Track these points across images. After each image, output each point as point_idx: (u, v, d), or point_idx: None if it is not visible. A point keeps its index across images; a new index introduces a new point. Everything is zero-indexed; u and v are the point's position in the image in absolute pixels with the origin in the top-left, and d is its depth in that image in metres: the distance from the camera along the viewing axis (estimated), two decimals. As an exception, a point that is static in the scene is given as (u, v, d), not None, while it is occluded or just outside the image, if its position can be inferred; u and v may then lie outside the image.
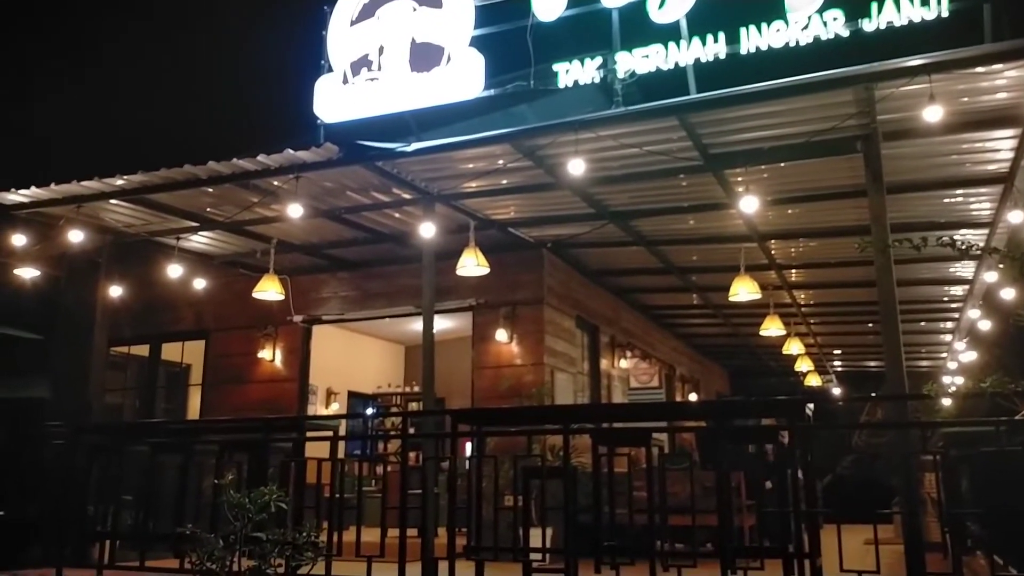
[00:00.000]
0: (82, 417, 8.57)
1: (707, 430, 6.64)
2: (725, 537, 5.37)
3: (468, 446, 6.81)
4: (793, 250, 10.27)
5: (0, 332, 11.76)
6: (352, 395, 13.61)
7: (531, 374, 9.83)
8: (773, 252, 10.18)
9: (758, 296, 9.94)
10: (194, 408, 11.67)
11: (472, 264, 8.48)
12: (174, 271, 9.03)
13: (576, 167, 6.75)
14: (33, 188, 7.98)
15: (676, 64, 6.98)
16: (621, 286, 12.38)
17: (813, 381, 17.99)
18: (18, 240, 8.31)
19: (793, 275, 11.38)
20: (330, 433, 6.57)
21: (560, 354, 10.35)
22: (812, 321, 14.31)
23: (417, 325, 12.11)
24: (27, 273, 9.14)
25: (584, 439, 7.26)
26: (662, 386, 14.56)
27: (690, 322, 15.02)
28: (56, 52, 14.97)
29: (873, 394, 16.06)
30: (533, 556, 5.69)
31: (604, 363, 12.00)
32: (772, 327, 12.05)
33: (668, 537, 5.79)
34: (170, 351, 12.01)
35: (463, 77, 7.53)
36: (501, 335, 9.98)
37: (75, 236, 8.20)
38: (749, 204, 7.39)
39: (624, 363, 12.80)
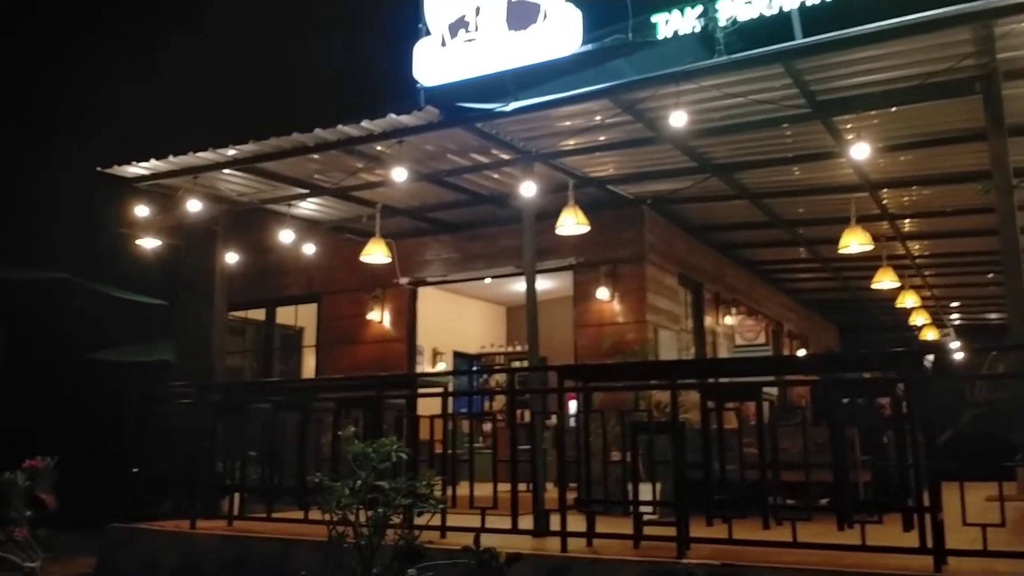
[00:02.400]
0: (206, 378, 9.03)
1: (820, 384, 6.50)
2: (841, 491, 5.29)
3: (572, 404, 6.87)
4: (906, 199, 9.86)
5: (128, 298, 12.43)
6: (457, 355, 13.89)
7: (633, 332, 9.81)
8: (885, 202, 9.81)
9: (870, 248, 9.60)
10: (308, 369, 12.15)
11: (572, 223, 8.48)
12: (286, 237, 9.37)
13: (678, 120, 6.64)
14: (152, 160, 8.38)
15: (780, 9, 6.77)
16: (724, 241, 12.16)
17: (929, 335, 17.31)
18: (140, 211, 8.78)
19: (907, 225, 10.94)
20: (441, 389, 6.75)
21: (663, 311, 10.28)
22: (927, 273, 13.75)
23: (518, 286, 12.30)
24: (149, 243, 9.63)
25: (691, 395, 7.24)
26: (769, 343, 14.28)
27: (797, 277, 14.65)
28: (168, 28, 15.55)
29: (996, 346, 15.35)
30: (643, 509, 5.75)
31: (708, 320, 11.85)
32: (885, 280, 11.63)
33: (780, 493, 5.75)
34: (284, 315, 12.51)
35: (560, 33, 7.48)
36: (602, 293, 9.97)
37: (193, 206, 8.59)
38: (860, 151, 7.13)
39: (729, 320, 12.62)
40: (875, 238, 9.78)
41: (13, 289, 11.12)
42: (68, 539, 8.73)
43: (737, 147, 8.29)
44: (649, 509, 5.86)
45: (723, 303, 12.41)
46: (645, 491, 5.92)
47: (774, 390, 6.92)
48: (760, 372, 6.70)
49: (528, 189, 7.74)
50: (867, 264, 11.73)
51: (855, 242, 9.37)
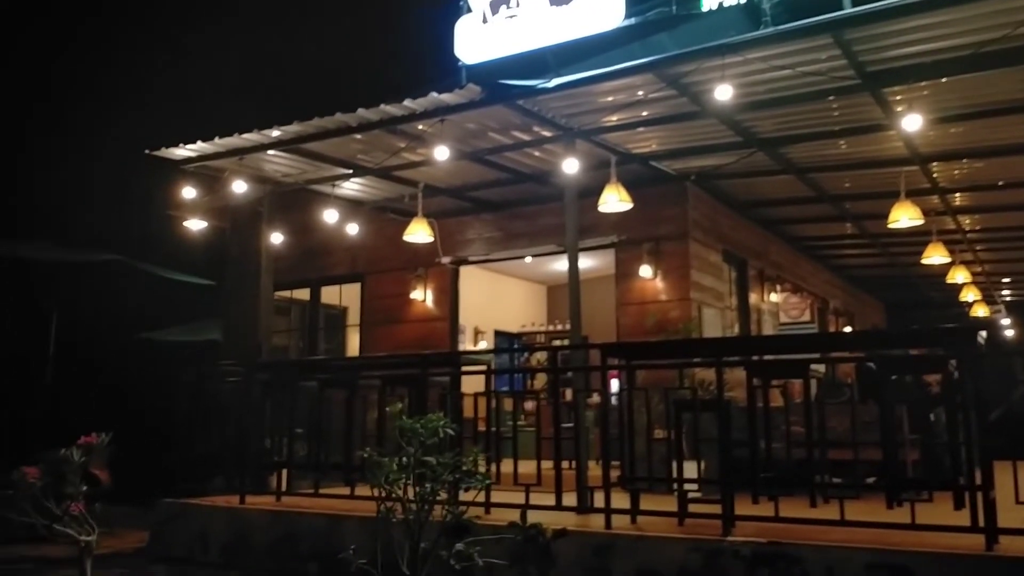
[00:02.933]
0: (253, 357, 9.17)
1: (869, 361, 6.40)
2: (891, 469, 5.22)
3: (614, 383, 6.86)
4: (957, 172, 9.62)
5: (176, 279, 12.66)
6: (498, 334, 13.92)
7: (677, 310, 9.74)
8: (935, 175, 9.58)
9: (920, 223, 9.39)
10: (353, 348, 12.27)
11: (614, 200, 8.41)
12: (330, 217, 9.44)
13: (723, 93, 6.54)
14: (199, 143, 8.48)
15: (828, -23, 6.60)
16: (769, 217, 11.99)
17: (980, 311, 16.92)
18: (187, 193, 8.91)
19: (958, 199, 10.68)
20: (484, 367, 6.78)
21: (707, 289, 10.19)
22: (979, 248, 13.42)
23: (559, 265, 12.30)
24: (196, 225, 9.77)
25: (735, 374, 7.18)
26: (814, 320, 14.08)
27: (844, 253, 14.41)
28: (211, 11, 15.71)
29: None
30: (687, 487, 5.73)
31: (753, 297, 11.72)
32: (935, 255, 11.37)
33: (827, 471, 5.69)
34: (328, 294, 12.64)
35: (602, 7, 7.40)
36: (645, 271, 9.90)
37: (238, 187, 8.69)
38: (912, 123, 6.95)
39: (774, 297, 12.46)
40: (925, 212, 9.56)
41: (65, 271, 11.41)
42: (120, 514, 8.97)
43: (783, 121, 8.15)
44: (693, 487, 5.83)
45: (768, 280, 12.26)
46: (689, 469, 5.89)
47: (821, 367, 6.82)
48: (808, 349, 6.62)
49: (570, 166, 7.70)
50: (916, 239, 11.48)
51: (905, 217, 9.17)
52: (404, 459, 3.37)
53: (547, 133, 8.19)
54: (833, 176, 9.88)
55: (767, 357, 6.86)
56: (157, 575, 6.49)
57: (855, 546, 4.77)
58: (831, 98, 7.47)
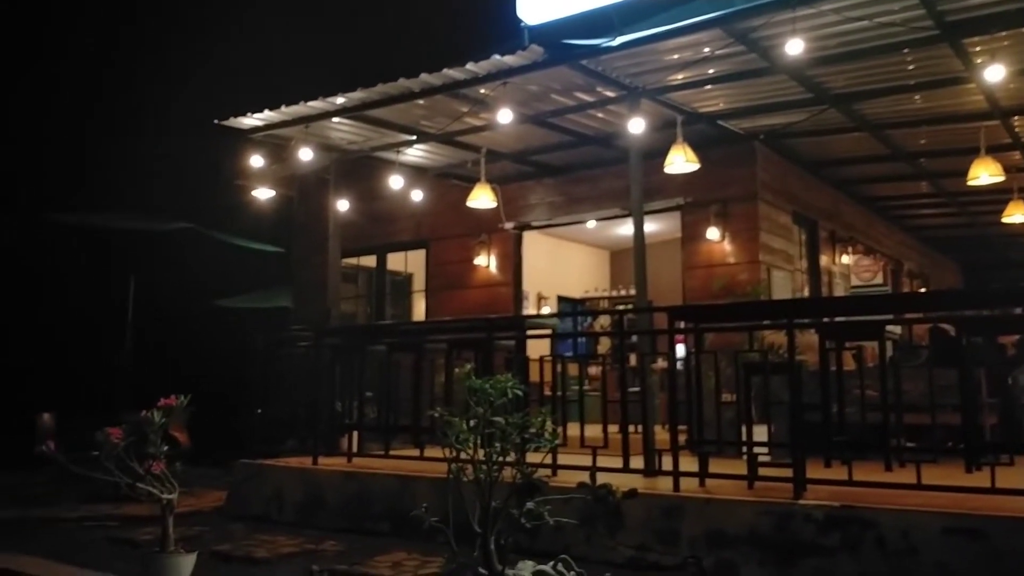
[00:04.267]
0: (323, 323, 9.34)
1: (946, 323, 6.20)
2: (970, 432, 5.07)
3: (680, 348, 6.78)
4: (1043, 125, 9.20)
5: (248, 246, 12.94)
6: (561, 299, 13.90)
7: (745, 272, 9.57)
8: (1017, 130, 9.17)
9: (1000, 179, 9.03)
10: (418, 313, 12.41)
11: (680, 161, 8.27)
12: (395, 183, 9.51)
13: (794, 48, 6.35)
14: (266, 111, 8.60)
15: (906, -77, 6.31)
16: (841, 177, 11.65)
17: (1064, 272, 16.23)
18: (256, 162, 9.05)
19: (1042, 154, 10.22)
20: (549, 331, 6.78)
21: (777, 251, 9.98)
22: (1063, 205, 12.85)
23: (622, 229, 12.19)
24: (264, 194, 9.94)
25: (805, 337, 7.05)
26: (887, 282, 13.67)
27: (919, 212, 13.95)
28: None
29: None
30: (756, 451, 5.66)
31: (824, 260, 11.45)
32: (1016, 214, 10.93)
33: (901, 435, 5.56)
34: (394, 261, 12.77)
35: (668, -38, 7.20)
36: (712, 233, 9.74)
37: (304, 154, 8.79)
38: (994, 74, 6.65)
39: (845, 259, 12.16)
40: (1006, 169, 9.18)
41: (142, 239, 11.76)
42: (198, 475, 9.29)
43: (856, 75, 7.89)
44: (763, 451, 5.76)
45: (839, 242, 11.95)
46: (758, 433, 5.82)
47: (897, 329, 6.64)
48: (884, 310, 6.45)
49: (636, 126, 7.58)
50: (996, 197, 11.05)
51: (985, 174, 8.82)
52: (473, 419, 3.39)
53: (611, 93, 8.07)
54: (908, 132, 9.54)
55: (839, 320, 6.71)
56: (235, 532, 6.70)
57: (931, 510, 4.67)
58: (906, 51, 7.20)
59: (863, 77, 7.91)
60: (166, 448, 4.76)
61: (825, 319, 6.38)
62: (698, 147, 8.40)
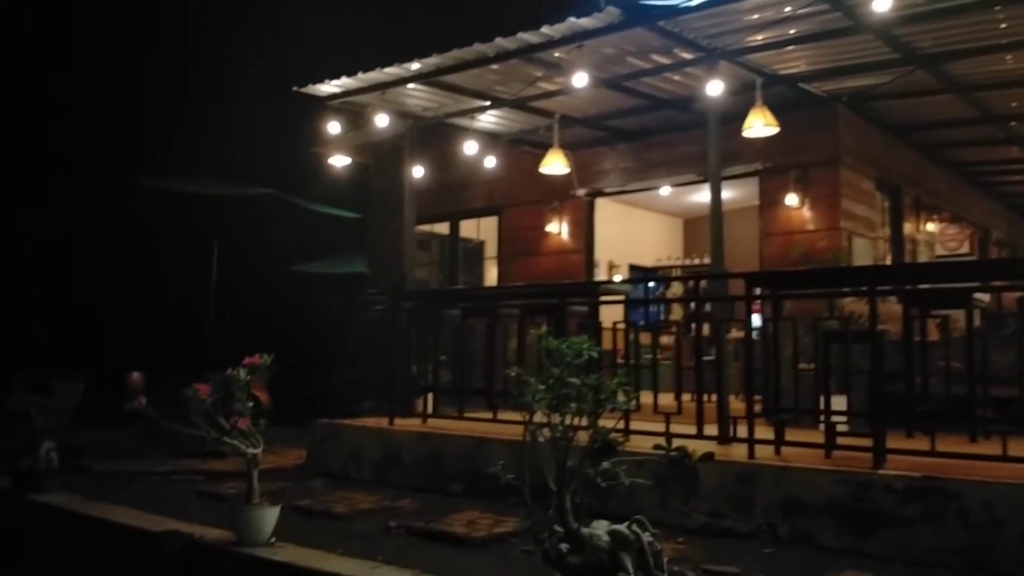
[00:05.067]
0: (399, 288, 9.47)
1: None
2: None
3: (755, 318, 6.68)
4: None
5: (326, 212, 13.18)
6: (632, 268, 13.80)
7: (825, 240, 9.34)
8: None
9: (1100, 143, 8.59)
10: (490, 280, 12.50)
11: (759, 125, 8.08)
12: (469, 149, 9.55)
13: (880, 5, 6.13)
14: (343, 78, 8.70)
15: None
16: (928, 141, 11.23)
17: None
18: (333, 128, 9.18)
19: None
20: (623, 297, 6.75)
21: (859, 218, 9.71)
22: None
23: (696, 196, 12.00)
24: (340, 161, 10.07)
25: (887, 307, 6.84)
26: (974, 251, 13.20)
27: (1009, 179, 13.36)
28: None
29: None
30: (835, 419, 5.57)
31: (907, 227, 11.10)
32: (1116, 180, 10.41)
33: (988, 407, 5.40)
34: (466, 228, 12.86)
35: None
36: (791, 200, 9.53)
37: (380, 121, 8.88)
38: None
39: (930, 227, 11.76)
40: (1107, 132, 8.74)
41: (224, 204, 12.10)
42: (278, 434, 9.56)
43: (945, 35, 7.56)
44: (842, 420, 5.66)
45: (924, 209, 11.56)
46: (837, 402, 5.72)
47: (985, 297, 6.42)
48: (968, 278, 6.23)
49: (714, 88, 7.42)
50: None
51: (1084, 137, 8.40)
52: (550, 380, 3.42)
53: (688, 56, 7.91)
54: (999, 94, 9.13)
55: (924, 287, 6.50)
56: (315, 489, 6.91)
57: (1019, 482, 4.53)
58: (998, 8, 6.89)
59: (952, 36, 7.59)
60: (251, 405, 4.93)
61: (909, 286, 6.19)
62: (777, 110, 8.19)
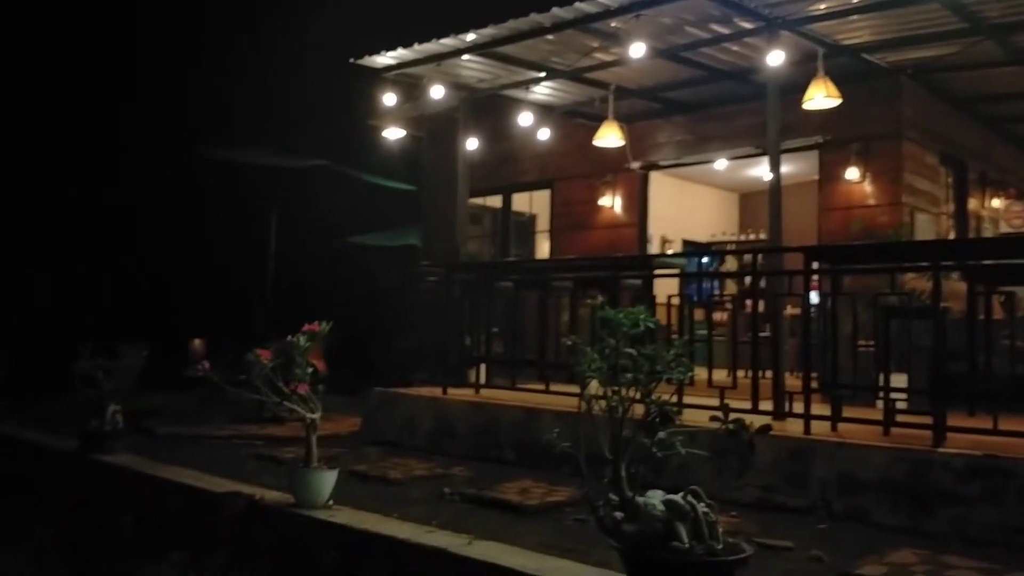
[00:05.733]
0: (452, 260, 9.53)
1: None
2: None
3: (813, 295, 6.58)
4: None
5: (382, 184, 13.28)
6: (686, 243, 13.66)
7: (886, 215, 9.14)
8: None
9: None
10: (542, 254, 12.48)
11: (821, 97, 7.91)
12: (524, 120, 9.52)
13: (951, -28, 5.93)
14: (399, 49, 8.74)
15: None
16: (995, 115, 10.87)
17: None
18: (388, 100, 9.23)
19: None
20: (677, 271, 6.71)
21: (921, 193, 9.47)
22: None
23: (753, 171, 11.81)
24: (394, 134, 10.13)
25: (950, 284, 6.68)
26: (1041, 229, 12.81)
27: (1080, 155, 12.91)
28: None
29: None
30: (893, 396, 5.49)
31: (972, 203, 10.80)
32: None
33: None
34: (518, 201, 12.85)
35: None
36: (852, 174, 9.33)
37: (436, 92, 8.90)
38: None
39: (996, 203, 11.42)
40: None
41: (281, 175, 12.27)
42: (333, 403, 9.74)
43: (1015, 4, 7.29)
44: (900, 397, 5.57)
45: (990, 184, 11.23)
46: (896, 379, 5.63)
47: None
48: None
49: (775, 59, 7.28)
50: None
51: None
52: (605, 350, 3.42)
53: (748, 25, 7.76)
54: (1075, 66, 8.80)
55: (989, 263, 6.34)
56: (370, 455, 7.04)
57: (1084, 463, 4.44)
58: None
59: (1022, 5, 7.32)
60: (310, 371, 5.03)
61: (974, 262, 6.04)
62: (839, 82, 7.99)
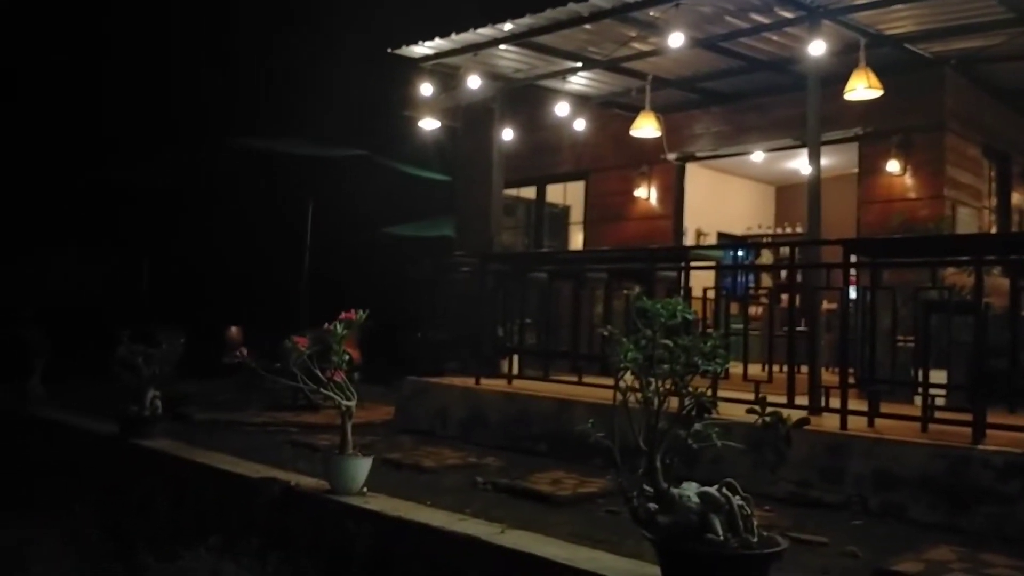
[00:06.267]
0: (485, 251, 9.53)
1: None
2: None
3: (850, 289, 6.50)
4: None
5: (419, 175, 13.30)
6: (721, 236, 13.53)
7: (927, 209, 8.98)
8: None
9: None
10: (575, 245, 12.43)
11: (862, 88, 7.79)
12: (560, 110, 9.49)
13: (999, -40, 5.80)
14: (437, 39, 8.75)
15: None
16: (1041, 107, 10.64)
17: None
18: (425, 90, 9.25)
19: None
20: (714, 263, 6.66)
21: (963, 186, 9.29)
22: None
23: (790, 163, 11.66)
24: (429, 125, 10.15)
25: (992, 280, 6.56)
26: (1087, 225, 12.51)
27: None
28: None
29: None
30: (932, 393, 5.41)
31: (1016, 197, 10.56)
32: None
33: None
34: (551, 193, 12.81)
35: None
36: (892, 166, 9.17)
37: (472, 82, 8.89)
38: None
39: (1040, 197, 11.17)
40: None
41: (320, 165, 12.35)
42: (366, 392, 9.81)
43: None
44: (939, 393, 5.49)
45: (1034, 178, 10.98)
46: (936, 375, 5.55)
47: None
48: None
49: (816, 48, 7.17)
50: None
51: None
52: (641, 340, 3.41)
53: (789, 15, 7.66)
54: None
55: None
56: (404, 444, 7.09)
57: None
58: None
59: (1075, -6, 7.16)
60: (347, 359, 5.07)
61: (1017, 256, 5.92)
62: (880, 72, 7.87)
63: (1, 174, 14.63)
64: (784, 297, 8.54)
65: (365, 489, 5.07)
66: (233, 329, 10.59)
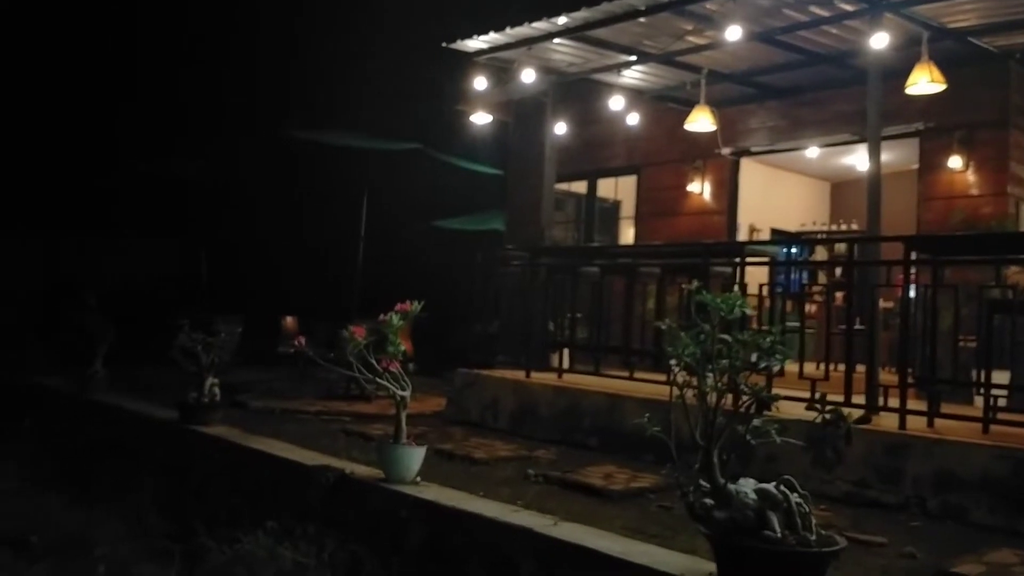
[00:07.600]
0: (537, 244, 9.55)
1: None
2: None
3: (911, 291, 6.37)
4: None
5: (472, 168, 13.38)
6: (774, 232, 13.34)
7: (990, 206, 8.75)
8: None
9: None
10: (626, 240, 12.37)
11: (924, 82, 7.61)
12: (615, 104, 9.44)
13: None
14: (491, 33, 8.78)
15: None
16: (1112, 101, 10.29)
17: None
18: (479, 83, 9.29)
19: None
20: (769, 259, 6.59)
21: (1028, 183, 9.05)
22: None
23: (846, 159, 11.45)
24: (482, 119, 10.19)
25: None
26: None
27: None
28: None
29: None
30: (996, 392, 5.29)
31: (1083, 194, 10.25)
32: None
33: None
34: (602, 187, 12.76)
35: None
36: (954, 162, 8.96)
37: (527, 76, 8.91)
38: None
39: (1110, 195, 10.81)
40: None
41: (374, 158, 12.50)
42: (417, 383, 9.90)
43: None
44: (1002, 394, 5.37)
45: (1104, 176, 10.64)
46: (999, 375, 5.43)
47: None
48: None
49: (879, 41, 7.04)
50: None
51: None
52: (700, 335, 3.40)
53: (849, 7, 7.53)
54: None
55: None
56: (455, 435, 7.15)
57: None
58: None
59: None
60: (402, 349, 5.13)
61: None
62: (942, 66, 7.68)
63: (66, 165, 15.07)
64: (838, 295, 8.41)
65: (419, 479, 5.14)
66: (289, 319, 10.77)
